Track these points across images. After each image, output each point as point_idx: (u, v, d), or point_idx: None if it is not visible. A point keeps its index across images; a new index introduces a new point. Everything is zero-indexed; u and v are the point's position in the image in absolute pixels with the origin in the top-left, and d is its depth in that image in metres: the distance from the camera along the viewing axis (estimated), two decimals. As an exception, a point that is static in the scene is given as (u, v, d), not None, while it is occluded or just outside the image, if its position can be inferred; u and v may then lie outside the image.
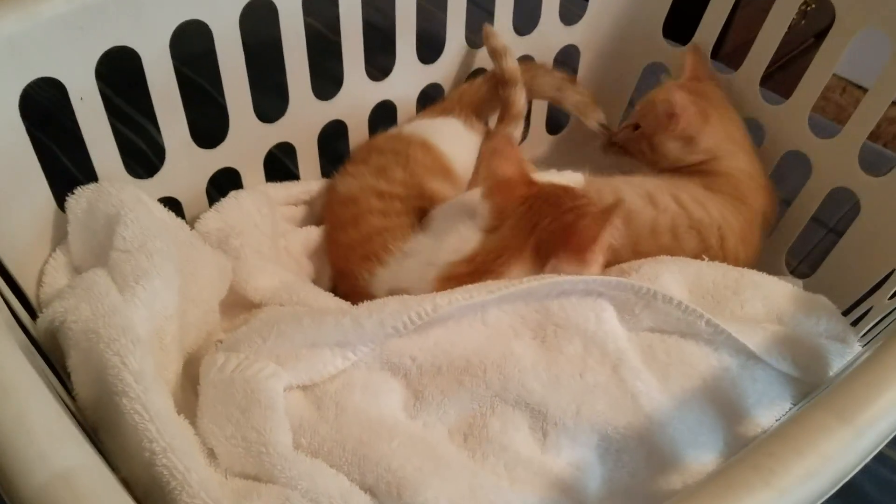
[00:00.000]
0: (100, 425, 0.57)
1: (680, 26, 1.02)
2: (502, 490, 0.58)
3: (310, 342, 0.62)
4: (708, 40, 0.98)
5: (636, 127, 0.95)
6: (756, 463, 0.44)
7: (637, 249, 0.79)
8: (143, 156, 0.87)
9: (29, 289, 0.67)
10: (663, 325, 0.66)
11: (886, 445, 0.47)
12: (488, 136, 0.91)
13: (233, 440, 0.56)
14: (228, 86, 0.79)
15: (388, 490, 0.56)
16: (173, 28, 0.72)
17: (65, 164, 0.92)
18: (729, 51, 1.45)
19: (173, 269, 0.65)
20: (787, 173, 0.96)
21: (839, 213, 1.00)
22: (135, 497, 0.53)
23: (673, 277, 0.72)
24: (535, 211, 0.71)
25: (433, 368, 0.63)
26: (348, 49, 0.87)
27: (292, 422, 0.58)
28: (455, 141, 0.91)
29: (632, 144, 0.96)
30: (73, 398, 0.58)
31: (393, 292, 0.67)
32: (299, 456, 0.56)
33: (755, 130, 0.95)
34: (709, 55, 0.99)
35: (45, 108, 0.80)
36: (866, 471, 0.48)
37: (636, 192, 0.84)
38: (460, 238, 0.72)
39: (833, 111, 2.21)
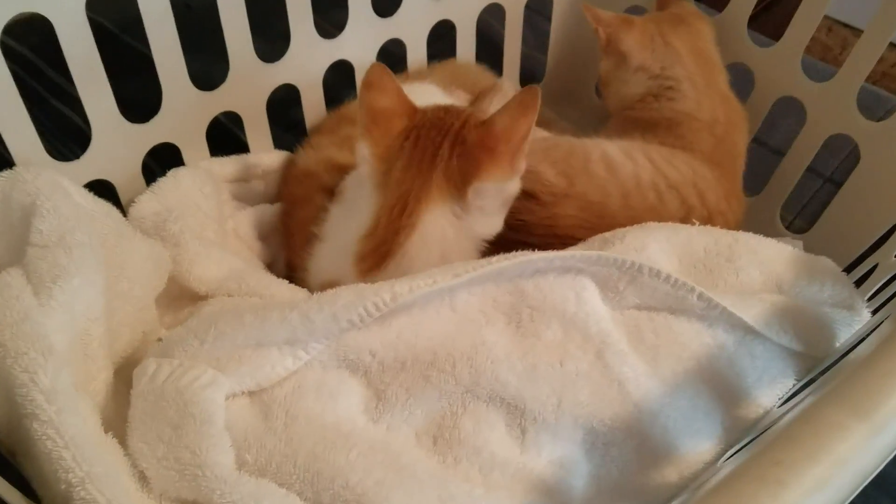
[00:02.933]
0: (17, 448, 0.50)
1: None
2: (476, 498, 0.52)
3: (254, 341, 0.55)
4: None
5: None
6: (761, 474, 0.38)
7: (628, 203, 0.71)
8: (81, 133, 0.79)
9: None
10: (651, 301, 0.60)
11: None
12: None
13: (165, 462, 0.49)
14: (157, 50, 0.71)
15: (349, 509, 0.49)
16: (89, -10, 0.64)
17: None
18: None
19: (96, 265, 0.57)
20: (779, 121, 0.89)
21: (836, 160, 0.93)
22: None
23: (660, 247, 0.65)
24: (426, 141, 0.62)
25: (396, 364, 0.56)
26: (293, 1, 0.78)
27: (236, 436, 0.52)
28: (422, 94, 0.82)
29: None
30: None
31: (323, 287, 0.58)
32: (242, 477, 0.49)
33: (743, 76, 0.88)
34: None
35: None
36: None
37: (614, 145, 0.77)
38: (359, 205, 0.64)
39: (819, 51, 2.12)
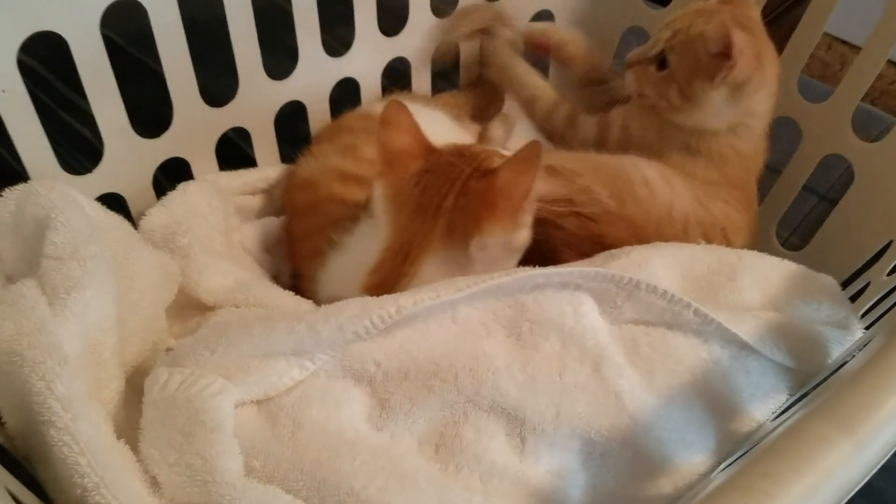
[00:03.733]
0: (31, 455, 0.52)
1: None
2: (476, 502, 0.54)
3: (262, 352, 0.57)
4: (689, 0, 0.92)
5: (662, 64, 0.77)
6: (748, 485, 0.39)
7: (660, 229, 0.72)
8: (90, 146, 0.81)
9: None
10: (648, 316, 0.61)
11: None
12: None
13: (176, 468, 0.51)
14: (169, 67, 0.73)
15: (353, 515, 0.51)
16: (102, 9, 0.66)
17: (6, 160, 0.85)
18: None
19: (108, 276, 0.59)
20: (776, 138, 0.90)
21: (831, 179, 0.95)
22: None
23: (664, 262, 0.67)
24: (434, 188, 0.62)
25: (399, 374, 0.58)
26: (302, 21, 0.80)
27: (244, 443, 0.53)
28: (433, 124, 0.84)
29: (650, 86, 0.78)
30: (2, 426, 0.53)
31: (330, 301, 0.59)
32: (250, 483, 0.51)
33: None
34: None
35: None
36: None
37: (652, 168, 0.75)
38: (369, 239, 0.65)
39: (818, 68, 2.15)
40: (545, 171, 0.72)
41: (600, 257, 0.68)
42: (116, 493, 0.47)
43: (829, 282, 0.68)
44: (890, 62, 0.79)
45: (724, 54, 0.72)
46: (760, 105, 0.78)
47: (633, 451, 0.57)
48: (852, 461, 0.40)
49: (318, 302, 0.64)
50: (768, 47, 0.78)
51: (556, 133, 0.86)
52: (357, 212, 0.70)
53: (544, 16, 1.00)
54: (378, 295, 0.58)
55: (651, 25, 0.96)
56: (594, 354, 0.59)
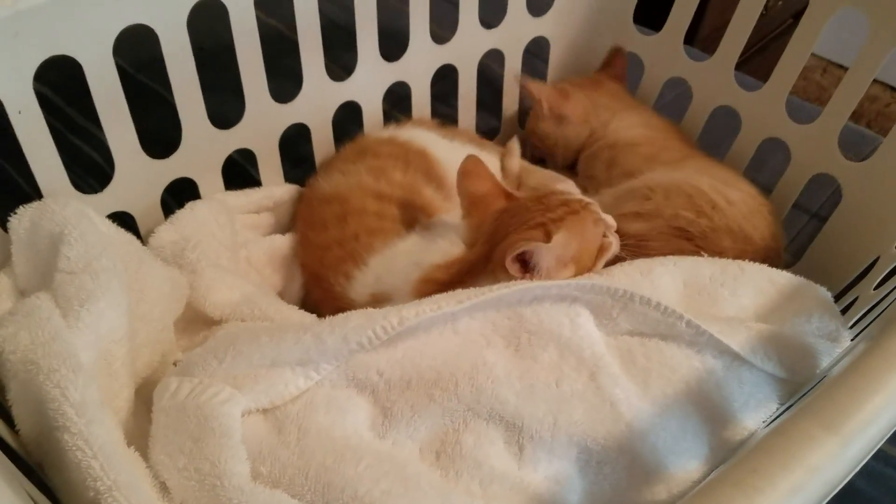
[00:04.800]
0: (44, 460, 0.54)
1: (652, 11, 0.99)
2: (476, 506, 0.55)
3: (269, 361, 0.59)
4: (681, 25, 0.95)
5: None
6: (738, 480, 0.41)
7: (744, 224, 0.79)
8: (98, 168, 0.83)
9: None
10: (643, 327, 0.63)
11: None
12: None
13: (185, 472, 0.52)
14: (178, 92, 0.75)
15: (357, 517, 0.52)
16: (115, 34, 0.68)
17: (15, 180, 0.88)
18: (705, 35, 1.42)
19: (120, 289, 0.61)
20: (767, 158, 0.93)
21: (822, 197, 0.97)
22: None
23: (666, 270, 0.70)
24: (501, 225, 0.70)
25: (402, 382, 0.60)
26: (306, 48, 0.83)
27: (251, 449, 0.55)
28: (450, 152, 0.89)
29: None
30: (17, 433, 0.55)
31: (374, 296, 0.67)
32: (257, 487, 0.52)
33: (731, 119, 0.93)
34: (681, 40, 0.96)
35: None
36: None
37: (706, 177, 0.84)
38: (448, 243, 0.72)
39: (815, 91, 2.19)
40: (631, 218, 0.79)
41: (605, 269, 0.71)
42: (129, 496, 0.48)
43: (824, 294, 0.70)
44: (886, 86, 0.82)
45: (536, 99, 0.97)
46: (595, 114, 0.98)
47: (630, 458, 0.59)
48: (838, 457, 0.41)
49: (350, 302, 0.70)
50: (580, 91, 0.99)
51: None
52: (393, 225, 0.76)
53: (541, 42, 1.03)
54: (435, 289, 0.65)
55: (642, 51, 1.00)
56: (590, 364, 0.60)
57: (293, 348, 0.59)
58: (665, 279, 0.69)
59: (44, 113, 0.67)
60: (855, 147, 0.85)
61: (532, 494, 0.57)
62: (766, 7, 0.89)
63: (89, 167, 0.89)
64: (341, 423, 0.58)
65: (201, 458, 0.52)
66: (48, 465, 0.53)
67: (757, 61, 0.99)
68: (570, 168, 1.00)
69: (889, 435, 0.44)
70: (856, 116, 0.85)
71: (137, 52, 0.71)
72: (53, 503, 0.52)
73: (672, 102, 1.02)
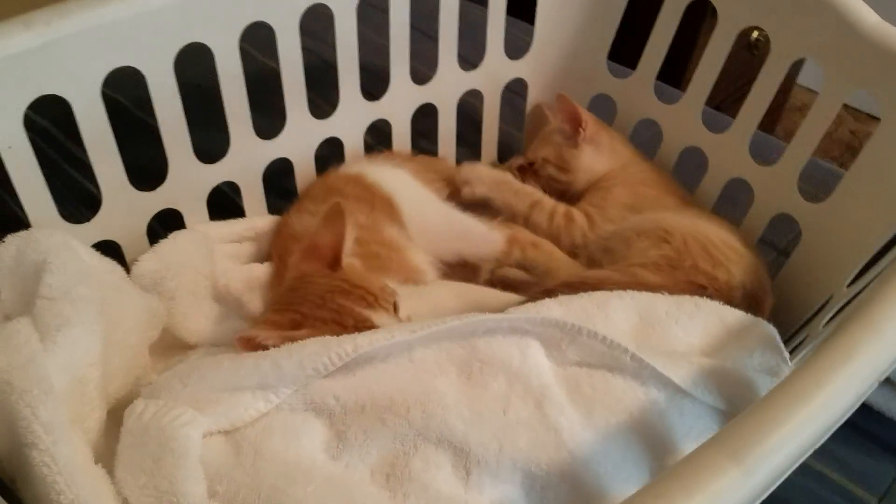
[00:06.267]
0: (16, 475, 0.57)
1: (628, 51, 1.03)
2: (422, 532, 0.58)
3: (231, 386, 0.62)
4: (651, 69, 0.99)
5: (529, 165, 1.00)
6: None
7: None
8: (92, 198, 0.88)
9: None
10: (590, 358, 0.66)
11: (814, 458, 0.47)
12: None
13: (145, 490, 0.56)
14: (165, 129, 0.80)
15: (302, 538, 0.56)
16: (103, 76, 0.73)
17: (11, 208, 0.92)
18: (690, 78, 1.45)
19: (96, 317, 0.65)
20: (735, 195, 0.96)
21: (789, 235, 1.00)
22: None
23: (623, 304, 0.72)
24: (294, 293, 0.72)
25: (357, 407, 0.63)
26: (290, 86, 0.88)
27: (209, 469, 0.58)
28: (412, 195, 0.93)
29: (534, 180, 0.99)
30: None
31: None
32: (211, 505, 0.56)
33: (697, 158, 0.96)
34: (653, 80, 0.99)
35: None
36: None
37: (711, 224, 0.87)
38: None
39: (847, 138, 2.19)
40: (652, 269, 0.80)
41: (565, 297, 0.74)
42: (90, 512, 0.52)
43: (768, 330, 0.73)
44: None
45: (577, 118, 0.96)
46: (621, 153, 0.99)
47: (571, 484, 0.62)
48: (740, 486, 0.44)
49: None
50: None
51: (558, 231, 0.93)
52: None
53: (518, 84, 1.07)
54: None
55: (615, 93, 1.03)
56: (537, 393, 0.64)
57: (252, 373, 0.62)
58: (619, 313, 0.72)
59: (43, 144, 0.72)
60: (821, 182, 0.87)
61: (477, 518, 0.60)
62: (755, 49, 0.92)
63: (83, 197, 0.94)
64: (295, 445, 0.61)
65: (160, 476, 0.56)
66: (20, 480, 0.57)
67: (737, 109, 1.02)
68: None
69: (794, 466, 0.47)
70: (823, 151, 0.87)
71: (135, 89, 0.76)
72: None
73: (646, 142, 1.05)
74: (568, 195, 0.98)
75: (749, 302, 0.79)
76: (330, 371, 0.62)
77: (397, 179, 0.93)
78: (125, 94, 1.00)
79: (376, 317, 0.69)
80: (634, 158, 0.99)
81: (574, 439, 0.62)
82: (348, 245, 0.74)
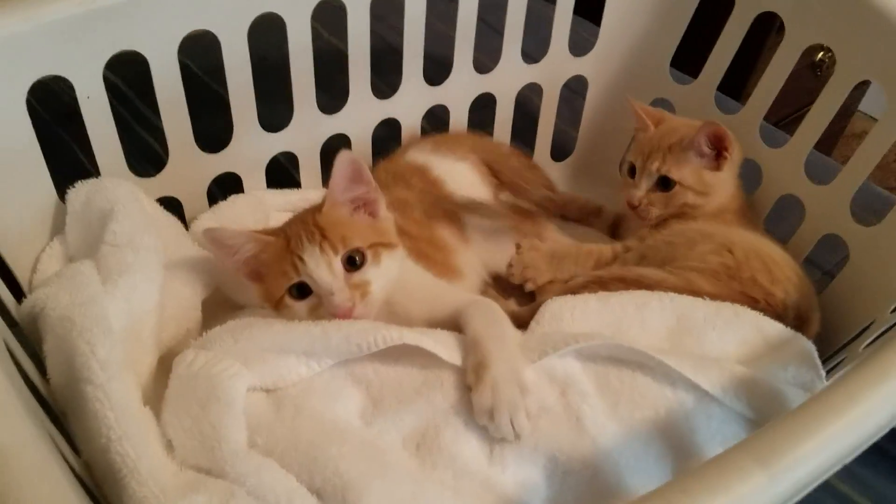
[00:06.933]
0: (68, 409, 0.61)
1: (692, 61, 1.03)
2: (445, 499, 0.60)
3: (278, 348, 0.65)
4: (716, 74, 0.99)
5: (666, 184, 0.91)
6: (667, 498, 0.45)
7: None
8: (157, 157, 0.91)
9: (23, 275, 0.71)
10: (619, 355, 0.68)
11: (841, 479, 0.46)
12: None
13: (189, 433, 0.59)
14: (234, 95, 0.83)
15: (334, 493, 0.58)
16: (181, 36, 0.76)
17: (80, 160, 0.96)
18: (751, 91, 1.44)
19: (157, 266, 0.68)
20: (785, 212, 0.95)
21: (836, 256, 0.99)
22: (93, 480, 0.57)
23: (661, 305, 0.74)
24: None
25: (394, 381, 0.65)
26: (355, 65, 0.90)
27: (251, 421, 0.61)
28: (459, 174, 0.94)
29: (664, 205, 0.92)
30: (47, 381, 0.62)
31: None
32: (251, 454, 0.58)
33: (752, 171, 0.96)
34: (714, 90, 1.00)
35: (67, 104, 0.84)
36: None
37: (761, 238, 0.86)
38: None
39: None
40: (708, 276, 0.79)
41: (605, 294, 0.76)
42: (135, 446, 0.55)
43: (806, 346, 0.73)
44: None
45: (722, 137, 0.88)
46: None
47: (593, 472, 0.63)
48: (765, 491, 0.45)
49: None
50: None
51: None
52: None
53: (580, 80, 1.08)
54: None
55: (676, 99, 1.04)
56: (562, 382, 0.65)
57: (301, 338, 0.65)
58: (656, 315, 0.73)
59: (114, 102, 0.75)
60: (874, 209, 0.87)
61: (499, 493, 0.62)
62: (819, 70, 0.91)
63: (149, 155, 0.97)
64: (332, 408, 0.64)
65: (205, 421, 0.59)
66: (70, 413, 0.60)
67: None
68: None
69: (820, 479, 0.48)
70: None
71: (205, 56, 0.78)
72: (71, 447, 0.59)
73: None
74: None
75: (797, 323, 0.79)
76: (373, 351, 0.64)
77: (461, 176, 0.95)
78: (196, 61, 1.03)
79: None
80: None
81: (596, 427, 0.64)
82: None
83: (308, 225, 0.70)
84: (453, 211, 0.91)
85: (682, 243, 0.85)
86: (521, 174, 1.02)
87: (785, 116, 0.96)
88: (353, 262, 0.69)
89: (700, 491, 0.45)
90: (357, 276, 0.69)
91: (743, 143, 0.96)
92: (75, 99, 0.73)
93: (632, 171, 0.94)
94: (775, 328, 0.75)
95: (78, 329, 0.60)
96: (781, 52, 0.91)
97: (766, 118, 0.95)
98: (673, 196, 0.91)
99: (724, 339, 0.73)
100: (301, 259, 0.68)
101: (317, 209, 0.72)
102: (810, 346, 0.74)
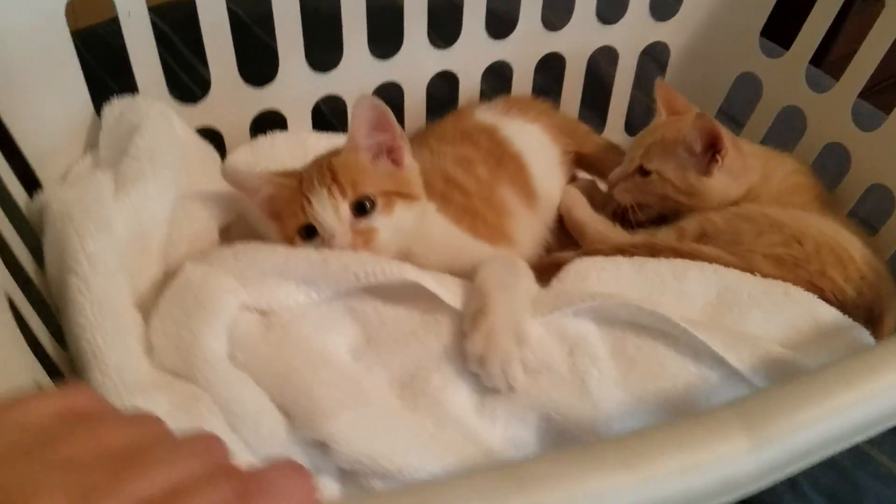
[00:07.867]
0: (60, 301, 0.61)
1: (782, 30, 0.95)
2: (423, 442, 0.56)
3: (278, 272, 0.63)
4: (808, 47, 0.90)
5: (644, 172, 0.84)
6: (623, 444, 0.39)
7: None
8: (188, 90, 0.90)
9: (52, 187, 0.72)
10: (641, 320, 0.62)
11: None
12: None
13: (169, 336, 0.58)
14: (280, 28, 0.81)
15: (304, 415, 0.56)
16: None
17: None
18: (833, 59, 1.31)
19: (173, 182, 0.68)
20: (876, 201, 0.85)
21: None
22: (74, 372, 0.57)
23: (704, 277, 0.68)
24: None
25: (392, 321, 0.62)
26: (410, 11, 0.87)
27: (237, 337, 0.59)
28: (542, 160, 0.90)
29: (639, 192, 0.85)
30: (44, 273, 0.63)
31: None
32: (225, 364, 0.57)
33: (839, 156, 0.87)
34: (806, 62, 0.91)
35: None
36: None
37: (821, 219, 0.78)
38: None
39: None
40: (772, 261, 0.72)
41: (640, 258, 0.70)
42: (105, 338, 0.55)
43: (863, 337, 0.65)
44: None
45: (717, 136, 0.79)
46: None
47: (589, 437, 0.57)
48: (745, 459, 0.39)
49: None
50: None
51: None
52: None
53: (659, 47, 1.01)
54: None
55: (764, 74, 0.95)
56: (572, 342, 0.60)
57: (301, 265, 0.62)
58: (695, 286, 0.67)
59: (159, 48, 0.76)
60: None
61: (484, 447, 0.58)
62: None
63: (180, 88, 0.97)
64: (322, 338, 0.61)
65: (185, 327, 0.58)
66: (61, 307, 0.60)
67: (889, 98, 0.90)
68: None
69: (815, 456, 0.41)
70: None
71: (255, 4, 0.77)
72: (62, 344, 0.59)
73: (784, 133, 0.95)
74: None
75: (867, 324, 0.69)
76: (371, 282, 0.61)
77: (530, 137, 0.90)
78: (245, 9, 1.03)
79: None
80: (772, 166, 0.86)
81: (601, 392, 0.59)
82: None
83: (322, 168, 0.68)
84: (519, 169, 0.86)
85: (748, 230, 0.77)
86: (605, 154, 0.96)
87: (870, 87, 0.86)
88: (362, 209, 0.66)
89: (672, 446, 0.39)
90: (364, 223, 0.66)
91: (832, 125, 0.87)
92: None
93: None
94: (832, 314, 0.67)
95: (75, 224, 0.60)
96: (881, 23, 0.82)
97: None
98: (649, 184, 0.83)
99: (770, 320, 0.65)
100: (309, 200, 0.66)
101: (336, 152, 0.70)
102: (868, 338, 0.65)
